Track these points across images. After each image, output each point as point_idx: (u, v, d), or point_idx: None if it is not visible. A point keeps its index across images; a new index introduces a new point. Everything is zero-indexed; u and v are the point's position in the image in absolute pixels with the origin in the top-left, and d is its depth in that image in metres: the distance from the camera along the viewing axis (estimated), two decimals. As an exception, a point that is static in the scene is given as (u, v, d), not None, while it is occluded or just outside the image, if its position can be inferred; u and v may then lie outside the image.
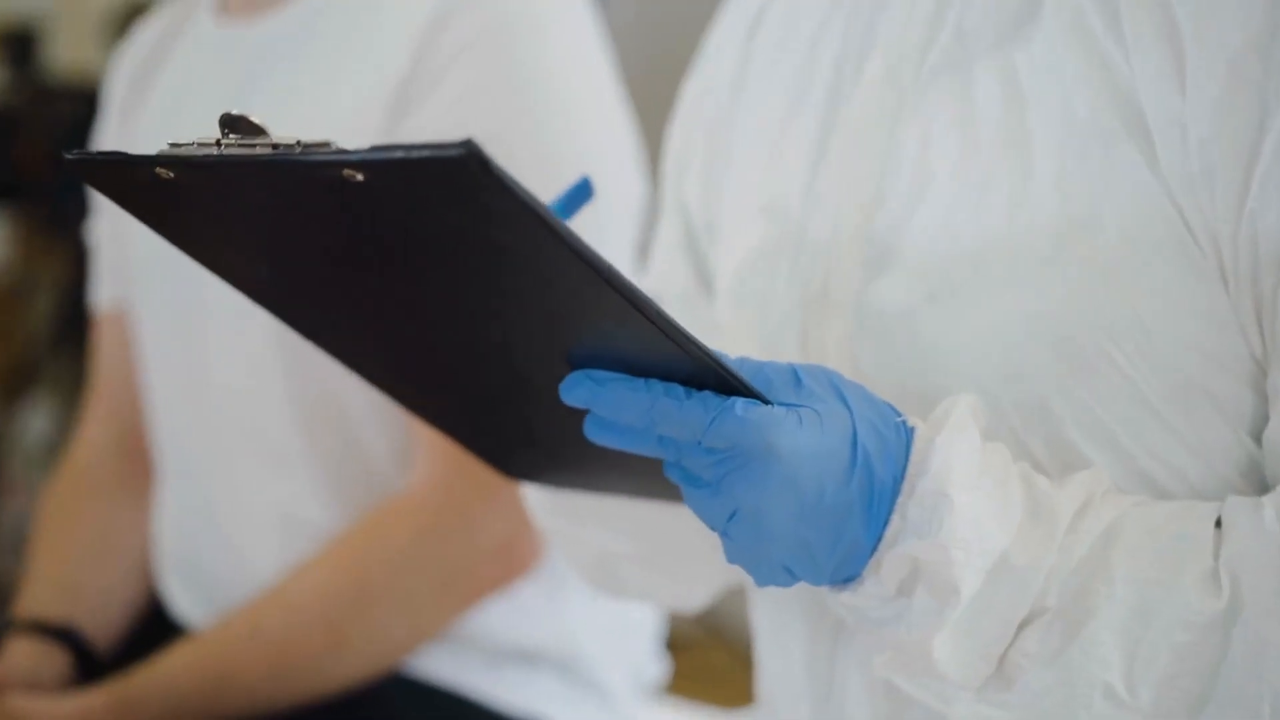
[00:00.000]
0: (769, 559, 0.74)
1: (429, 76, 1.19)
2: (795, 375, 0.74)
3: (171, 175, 0.66)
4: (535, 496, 0.98)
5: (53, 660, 1.29)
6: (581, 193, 0.86)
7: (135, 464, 1.42)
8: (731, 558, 0.75)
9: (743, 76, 0.98)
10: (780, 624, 0.94)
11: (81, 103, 3.56)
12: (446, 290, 0.71)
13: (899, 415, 0.75)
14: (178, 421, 1.32)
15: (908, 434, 0.75)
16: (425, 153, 0.59)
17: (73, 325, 3.09)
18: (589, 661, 1.31)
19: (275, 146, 0.63)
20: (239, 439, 1.27)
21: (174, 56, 1.36)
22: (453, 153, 0.58)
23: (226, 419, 1.27)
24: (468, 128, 1.11)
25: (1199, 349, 0.78)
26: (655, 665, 1.40)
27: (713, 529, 0.74)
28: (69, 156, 0.69)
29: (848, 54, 0.90)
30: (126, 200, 0.72)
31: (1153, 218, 0.77)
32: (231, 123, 0.64)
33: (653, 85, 1.72)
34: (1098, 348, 0.78)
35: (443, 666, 1.26)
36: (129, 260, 1.36)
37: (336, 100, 1.21)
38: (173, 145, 0.66)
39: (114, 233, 1.39)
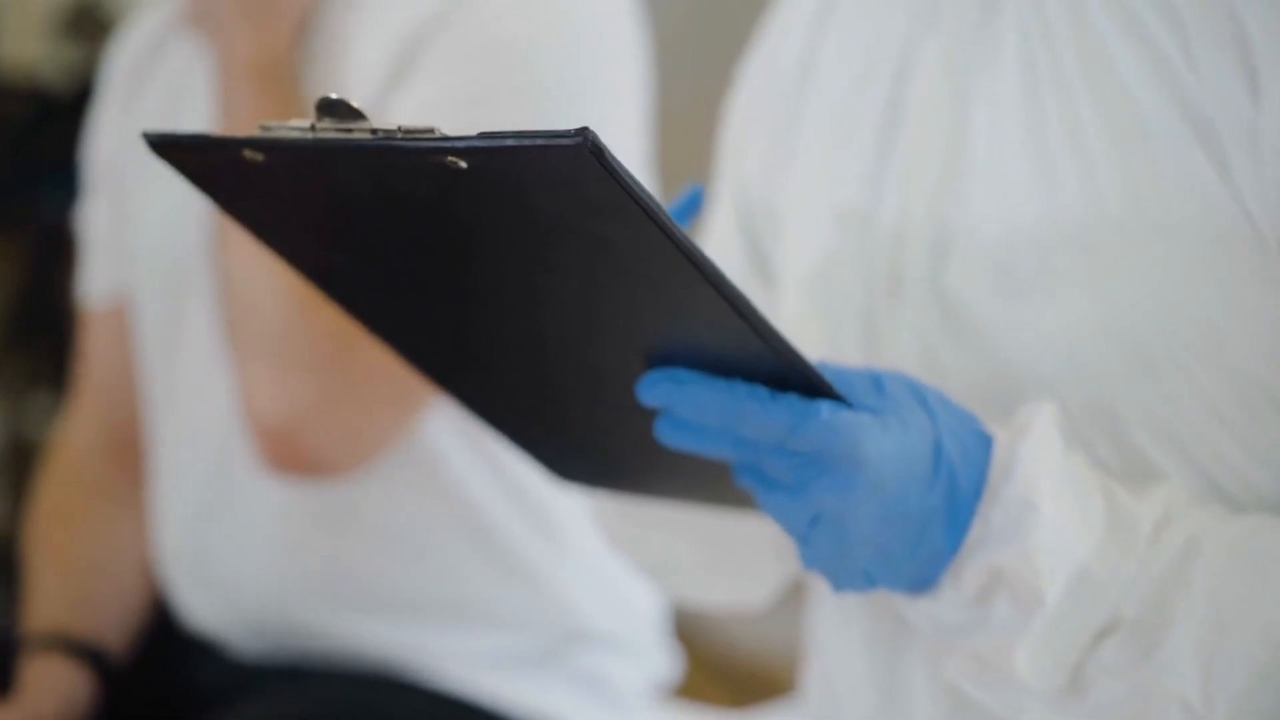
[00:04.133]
0: (850, 564, 0.73)
1: (420, 49, 1.17)
2: (878, 381, 0.73)
3: (260, 158, 0.65)
4: (601, 502, 0.97)
5: (80, 681, 1.24)
6: (693, 203, 0.84)
7: (126, 463, 1.37)
8: (809, 562, 0.74)
9: (812, 60, 0.95)
10: (843, 619, 0.93)
11: (27, 102, 3.49)
12: (532, 282, 0.69)
13: (978, 423, 0.75)
14: (179, 414, 1.28)
15: (988, 441, 0.74)
16: (539, 140, 0.58)
17: (22, 329, 3.03)
18: (597, 657, 1.29)
19: (374, 131, 0.62)
20: (243, 430, 1.23)
21: (178, 45, 1.33)
22: (567, 141, 0.57)
23: (230, 409, 1.23)
24: (454, 93, 1.12)
25: (1268, 356, 0.77)
26: (667, 663, 1.37)
27: (791, 534, 0.73)
28: (148, 136, 0.67)
29: (913, 35, 0.88)
30: (204, 182, 0.71)
31: (1225, 224, 0.76)
32: (329, 107, 0.62)
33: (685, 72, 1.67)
34: (1165, 351, 0.78)
35: (446, 666, 1.23)
36: (131, 250, 1.32)
37: (338, 77, 1.20)
38: (263, 128, 0.64)
39: (114, 221, 1.35)
